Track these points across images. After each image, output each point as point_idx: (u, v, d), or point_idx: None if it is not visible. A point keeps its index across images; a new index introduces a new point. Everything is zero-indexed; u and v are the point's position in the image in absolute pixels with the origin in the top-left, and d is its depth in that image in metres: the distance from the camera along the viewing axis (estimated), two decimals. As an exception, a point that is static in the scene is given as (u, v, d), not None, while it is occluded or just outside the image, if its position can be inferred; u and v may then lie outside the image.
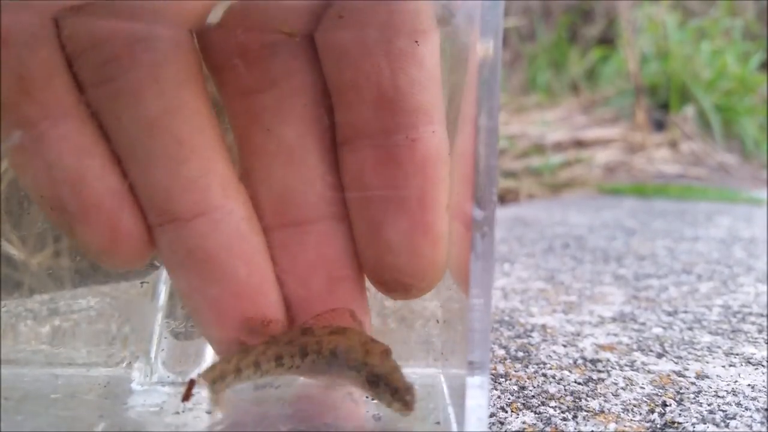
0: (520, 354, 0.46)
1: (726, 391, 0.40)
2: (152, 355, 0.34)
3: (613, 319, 0.55)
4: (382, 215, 0.29)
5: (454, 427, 0.29)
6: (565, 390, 0.39)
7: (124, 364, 0.34)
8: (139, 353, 0.34)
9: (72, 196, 0.27)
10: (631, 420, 0.35)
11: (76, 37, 0.25)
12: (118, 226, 0.27)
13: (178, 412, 0.31)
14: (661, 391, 0.39)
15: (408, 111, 0.28)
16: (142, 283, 0.34)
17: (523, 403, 0.37)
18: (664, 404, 0.37)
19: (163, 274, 0.34)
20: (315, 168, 0.29)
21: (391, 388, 0.28)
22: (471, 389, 0.26)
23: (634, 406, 0.37)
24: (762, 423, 0.35)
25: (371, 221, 0.29)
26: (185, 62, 0.27)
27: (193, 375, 0.33)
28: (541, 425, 0.35)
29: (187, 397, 0.32)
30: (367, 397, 0.31)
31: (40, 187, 0.27)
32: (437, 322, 0.36)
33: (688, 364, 0.44)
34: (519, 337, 0.50)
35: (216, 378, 0.30)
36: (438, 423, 0.30)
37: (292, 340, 0.29)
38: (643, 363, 0.44)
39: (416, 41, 0.27)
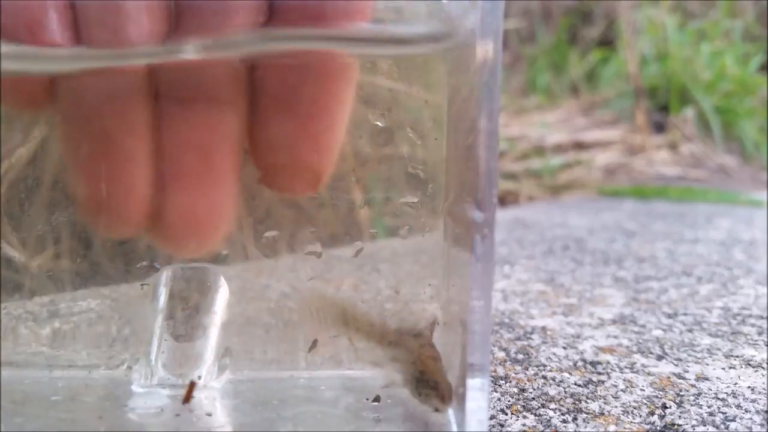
0: (520, 356, 0.46)
1: (726, 393, 0.40)
2: (152, 357, 0.34)
3: (613, 322, 0.55)
4: (272, 111, 0.29)
5: (455, 429, 0.29)
6: (565, 392, 0.39)
7: (125, 367, 0.34)
8: (139, 355, 0.34)
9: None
10: (631, 422, 0.35)
11: None
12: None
13: (178, 415, 0.31)
14: (661, 393, 0.39)
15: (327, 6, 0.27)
16: (142, 285, 0.34)
17: (523, 406, 0.37)
18: (664, 406, 0.37)
19: (164, 276, 0.35)
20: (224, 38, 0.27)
21: (432, 382, 0.29)
22: (471, 391, 0.27)
23: (634, 408, 0.37)
24: (762, 425, 0.35)
25: (261, 115, 0.29)
26: None
27: (194, 377, 0.33)
28: (541, 427, 0.35)
29: (187, 399, 0.32)
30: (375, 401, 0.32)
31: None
32: (437, 324, 0.36)
33: (688, 366, 0.44)
34: (519, 339, 0.50)
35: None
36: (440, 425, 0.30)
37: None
38: (643, 365, 0.44)
39: None
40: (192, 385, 0.32)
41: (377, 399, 0.32)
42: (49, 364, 0.34)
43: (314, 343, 0.35)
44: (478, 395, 0.27)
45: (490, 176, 0.25)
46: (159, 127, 0.28)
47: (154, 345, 0.34)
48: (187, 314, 0.34)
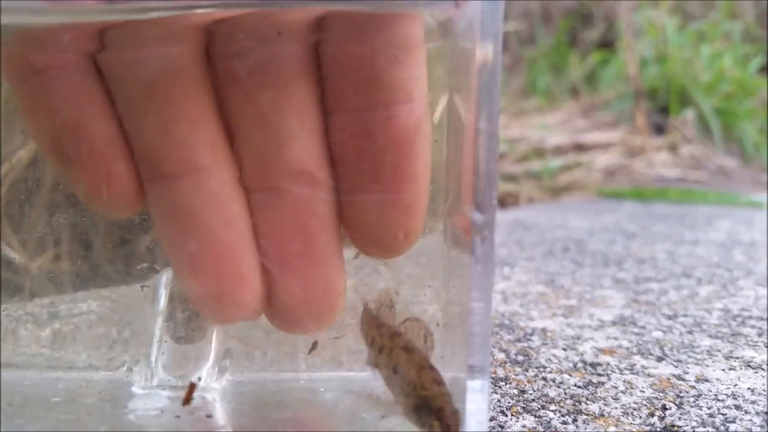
0: (520, 358, 0.46)
1: (726, 394, 0.40)
2: (153, 358, 0.34)
3: (613, 323, 0.55)
4: (357, 185, 0.30)
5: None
6: (565, 393, 0.39)
7: (125, 368, 0.34)
8: (139, 357, 0.34)
9: (71, 141, 0.29)
10: (631, 423, 0.35)
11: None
12: (111, 173, 0.29)
13: (178, 416, 0.31)
14: (661, 394, 0.39)
15: (385, 89, 0.28)
16: (142, 287, 0.34)
17: (523, 407, 0.37)
18: (664, 408, 0.37)
19: (164, 278, 0.35)
20: (293, 134, 0.29)
21: (436, 410, 0.27)
22: (471, 393, 0.27)
23: (634, 409, 0.37)
24: (762, 426, 0.35)
25: (348, 190, 0.30)
26: (184, 26, 0.28)
27: (194, 378, 0.33)
28: (541, 429, 0.35)
29: (187, 400, 0.32)
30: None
31: (43, 131, 0.29)
32: (437, 325, 0.36)
33: (688, 368, 0.44)
34: (519, 340, 0.50)
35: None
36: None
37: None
38: (643, 366, 0.44)
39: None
40: (192, 387, 0.32)
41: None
42: (50, 366, 0.34)
43: (314, 345, 0.35)
44: (478, 396, 0.27)
45: (490, 178, 0.25)
46: (254, 215, 0.30)
47: (154, 346, 0.34)
48: (187, 316, 0.34)
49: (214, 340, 0.35)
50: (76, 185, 0.30)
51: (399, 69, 0.28)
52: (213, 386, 0.34)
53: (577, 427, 0.35)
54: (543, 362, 0.45)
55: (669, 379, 0.42)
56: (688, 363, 0.45)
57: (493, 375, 0.42)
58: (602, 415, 0.36)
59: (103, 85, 0.29)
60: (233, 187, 0.29)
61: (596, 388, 0.40)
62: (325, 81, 0.29)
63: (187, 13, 0.27)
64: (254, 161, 0.30)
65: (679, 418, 0.36)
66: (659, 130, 2.14)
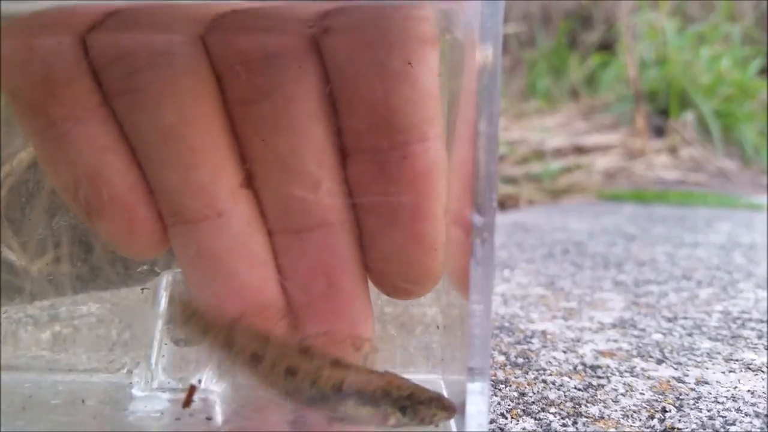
0: (520, 360, 0.46)
1: (726, 397, 0.40)
2: (153, 361, 0.34)
3: (613, 325, 0.55)
4: (377, 225, 0.30)
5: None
6: (565, 396, 0.39)
7: (125, 371, 0.34)
8: (139, 359, 0.34)
9: (92, 190, 0.29)
10: (631, 426, 0.35)
11: (102, 51, 0.27)
12: (133, 220, 0.29)
13: (178, 418, 0.31)
14: (660, 397, 0.39)
15: (400, 129, 0.29)
16: (142, 289, 0.34)
17: (523, 410, 0.37)
18: (664, 410, 0.37)
19: (164, 280, 0.35)
20: (312, 176, 0.29)
21: (425, 402, 0.28)
22: (471, 395, 0.27)
23: (634, 412, 0.37)
24: (762, 429, 0.35)
25: (369, 230, 0.30)
26: (200, 73, 0.28)
27: (194, 381, 0.33)
28: (540, 431, 0.35)
29: (187, 403, 0.32)
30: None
31: (63, 181, 0.29)
32: (437, 328, 0.36)
33: (688, 370, 0.44)
34: (519, 343, 0.50)
35: (195, 325, 0.31)
36: (437, 428, 0.30)
37: (284, 354, 0.29)
38: (642, 369, 0.44)
39: (409, 63, 0.28)
40: (192, 389, 0.32)
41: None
42: (50, 368, 0.34)
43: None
44: (478, 399, 0.27)
45: (490, 180, 0.25)
46: (278, 257, 0.30)
47: (155, 349, 0.34)
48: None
49: None
50: (100, 232, 0.30)
51: (413, 109, 0.28)
52: (213, 389, 0.34)
53: (577, 429, 0.35)
54: (543, 365, 0.45)
55: (669, 381, 0.42)
56: (688, 365, 0.45)
57: (493, 377, 0.42)
58: (602, 418, 0.36)
59: (120, 132, 0.29)
60: (255, 230, 0.30)
61: (596, 390, 0.40)
62: (341, 121, 0.29)
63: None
64: (275, 204, 0.30)
65: (679, 420, 0.36)
66: (659, 132, 2.14)
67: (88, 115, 0.28)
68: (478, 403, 0.27)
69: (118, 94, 0.28)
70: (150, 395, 0.33)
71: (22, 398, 0.32)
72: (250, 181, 0.30)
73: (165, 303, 0.34)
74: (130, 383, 0.34)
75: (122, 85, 0.28)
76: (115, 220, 0.29)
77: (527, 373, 0.43)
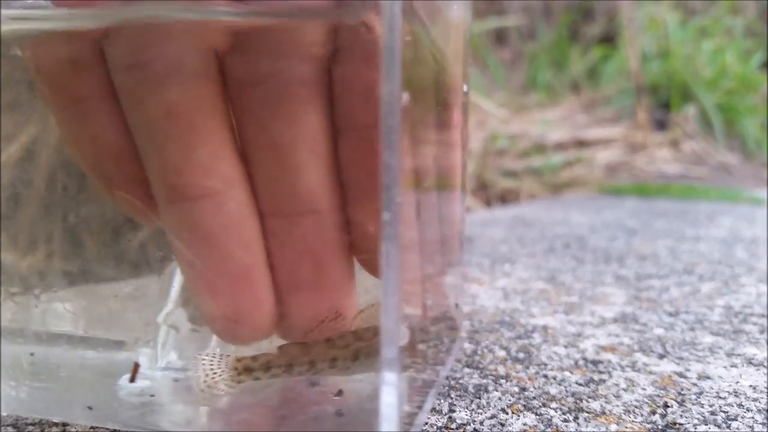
0: (521, 355, 0.45)
1: (727, 392, 0.39)
2: (159, 342, 0.34)
3: (615, 320, 0.54)
4: (364, 209, 0.30)
5: (374, 426, 0.28)
6: (566, 391, 0.39)
7: (126, 350, 0.35)
8: (147, 339, 0.35)
9: (114, 166, 0.30)
10: (633, 421, 0.35)
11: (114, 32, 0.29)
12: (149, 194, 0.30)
13: (172, 401, 0.32)
14: (662, 392, 0.39)
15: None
16: (142, 283, 0.34)
17: (524, 405, 0.37)
18: (666, 405, 0.37)
19: (165, 269, 0.35)
20: (303, 161, 0.30)
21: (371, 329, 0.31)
22: (385, 387, 0.26)
23: (636, 407, 0.37)
24: (764, 424, 0.35)
25: (357, 215, 0.31)
26: (204, 54, 0.29)
27: (138, 359, 0.34)
28: (542, 427, 0.34)
29: (133, 379, 0.33)
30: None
31: (89, 157, 0.31)
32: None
33: (690, 365, 0.44)
34: (520, 338, 0.49)
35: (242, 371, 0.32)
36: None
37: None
38: (644, 364, 0.44)
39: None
40: (136, 367, 0.33)
41: (340, 393, 0.32)
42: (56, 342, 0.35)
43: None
44: (390, 390, 0.26)
45: (391, 173, 0.25)
46: (268, 240, 0.31)
47: (162, 331, 0.35)
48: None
49: None
50: (123, 208, 0.31)
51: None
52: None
53: (578, 425, 0.35)
54: (544, 359, 0.45)
55: (670, 376, 0.42)
56: (689, 360, 0.45)
57: (494, 372, 0.42)
58: (603, 413, 0.36)
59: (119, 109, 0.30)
60: (250, 211, 0.30)
61: (597, 385, 0.40)
62: (335, 101, 0.30)
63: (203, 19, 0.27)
64: (267, 188, 0.30)
65: (681, 415, 0.36)
66: (661, 126, 2.13)
67: (110, 93, 0.29)
68: (390, 394, 0.26)
69: (126, 69, 0.29)
70: (153, 375, 0.34)
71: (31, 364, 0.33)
72: (245, 163, 0.30)
73: (178, 286, 0.35)
74: (138, 362, 0.34)
75: (129, 59, 0.28)
76: (131, 192, 0.30)
77: (528, 368, 0.43)
